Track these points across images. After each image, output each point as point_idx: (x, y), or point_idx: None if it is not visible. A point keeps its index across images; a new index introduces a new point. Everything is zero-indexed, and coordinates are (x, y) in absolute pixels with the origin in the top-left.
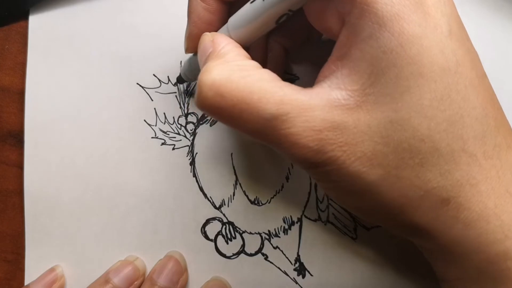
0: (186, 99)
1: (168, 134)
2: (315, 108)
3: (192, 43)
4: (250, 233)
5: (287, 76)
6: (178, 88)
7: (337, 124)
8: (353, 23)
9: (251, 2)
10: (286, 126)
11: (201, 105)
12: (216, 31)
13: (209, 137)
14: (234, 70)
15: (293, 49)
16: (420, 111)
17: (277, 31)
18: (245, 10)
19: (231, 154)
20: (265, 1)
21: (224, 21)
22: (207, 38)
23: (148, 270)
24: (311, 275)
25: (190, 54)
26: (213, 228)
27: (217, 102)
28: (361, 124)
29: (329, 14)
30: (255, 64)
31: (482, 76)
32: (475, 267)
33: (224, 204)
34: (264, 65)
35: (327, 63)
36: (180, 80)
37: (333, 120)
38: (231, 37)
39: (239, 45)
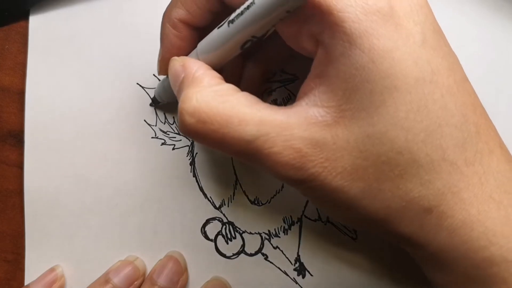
0: None
1: (168, 134)
2: (293, 126)
3: (165, 66)
4: (250, 233)
5: (287, 76)
6: None
7: (316, 141)
8: (326, 43)
9: (218, 28)
10: (267, 146)
11: (185, 131)
12: (187, 55)
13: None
14: (212, 96)
15: (275, 67)
16: (397, 124)
17: (254, 52)
18: (212, 36)
19: None
20: (230, 27)
21: (193, 46)
22: (177, 63)
23: (148, 270)
24: (311, 275)
25: (163, 77)
26: (213, 228)
27: (200, 129)
28: (340, 140)
29: (303, 35)
30: (231, 87)
31: (462, 81)
32: (462, 273)
33: (224, 204)
34: (238, 84)
35: (306, 80)
36: (155, 101)
37: (311, 137)
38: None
39: (210, 67)
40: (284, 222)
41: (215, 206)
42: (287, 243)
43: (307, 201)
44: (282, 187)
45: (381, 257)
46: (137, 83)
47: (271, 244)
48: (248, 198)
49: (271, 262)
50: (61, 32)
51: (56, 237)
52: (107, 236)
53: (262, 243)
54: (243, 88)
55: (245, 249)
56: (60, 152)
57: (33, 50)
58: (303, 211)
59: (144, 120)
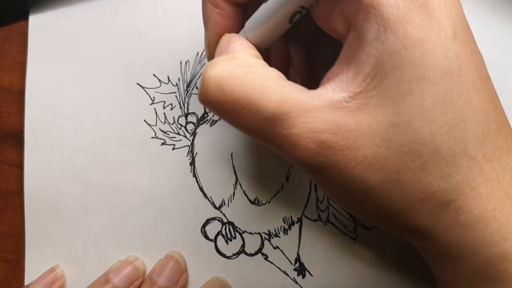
0: (186, 99)
1: (168, 134)
2: (316, 109)
3: (213, 50)
4: (250, 233)
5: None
6: (178, 88)
7: (338, 126)
8: (359, 26)
9: (265, 2)
10: (286, 126)
11: (202, 98)
12: (238, 25)
13: (209, 137)
14: (238, 66)
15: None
16: (422, 114)
17: (295, 37)
18: (259, 11)
19: (231, 154)
20: None
21: (241, 25)
22: (225, 38)
23: (148, 270)
24: (311, 275)
25: None
26: (213, 228)
27: (218, 96)
28: (363, 127)
29: (335, 16)
30: (261, 62)
31: (485, 79)
32: (473, 268)
33: (224, 204)
34: (288, 70)
35: (333, 66)
36: None
37: (334, 122)
38: (248, 40)
39: (252, 46)
40: (284, 222)
41: (215, 206)
42: (287, 243)
43: (307, 201)
44: (282, 187)
45: (381, 257)
46: (137, 83)
47: (271, 244)
48: (248, 198)
49: (271, 262)
50: (60, 32)
51: (56, 237)
52: (107, 236)
53: (262, 243)
54: (292, 76)
55: (245, 249)
56: (60, 152)
57: (32, 50)
58: (303, 211)
59: (144, 120)
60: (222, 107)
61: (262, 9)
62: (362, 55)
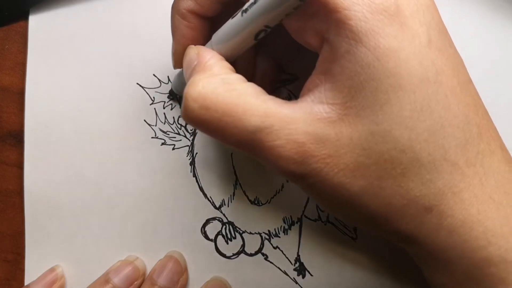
0: None
1: (168, 134)
2: (298, 121)
3: (179, 59)
4: (250, 233)
5: (287, 76)
6: None
7: (319, 137)
8: (331, 40)
9: (232, 18)
10: (270, 139)
11: (187, 117)
12: (204, 38)
13: (209, 137)
14: (219, 84)
15: (285, 61)
16: (401, 123)
17: (266, 45)
18: (225, 26)
19: (231, 154)
20: (243, 16)
21: (207, 37)
22: (192, 51)
23: (148, 270)
24: (311, 275)
25: (179, 69)
26: (213, 228)
27: (202, 115)
28: (343, 137)
29: (309, 30)
30: (240, 77)
31: (465, 82)
32: (461, 272)
33: (224, 204)
34: (252, 78)
35: (311, 76)
36: (172, 93)
37: (315, 133)
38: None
39: (223, 58)
40: (284, 222)
41: (215, 206)
42: (287, 243)
43: (307, 201)
44: (282, 187)
45: (381, 257)
46: (137, 83)
47: (271, 244)
48: (248, 198)
49: (271, 262)
50: (60, 32)
51: (56, 237)
52: (107, 236)
53: (262, 243)
54: (257, 84)
55: (245, 249)
56: (60, 152)
57: (32, 50)
58: (303, 211)
59: (144, 120)
60: (206, 125)
61: (229, 26)
62: (337, 67)
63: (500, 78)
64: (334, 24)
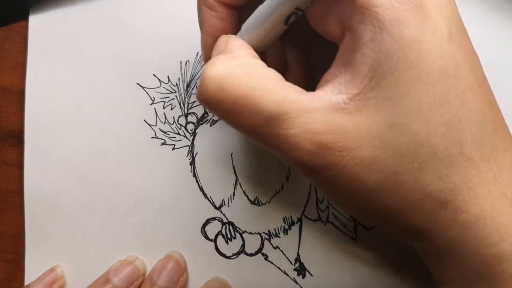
0: (186, 99)
1: (168, 134)
2: (315, 110)
3: (209, 52)
4: (250, 233)
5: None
6: (178, 88)
7: (336, 127)
8: (355, 28)
9: (261, 3)
10: (285, 127)
11: (201, 97)
12: (234, 30)
13: (209, 137)
14: (238, 65)
15: (313, 53)
16: (419, 115)
17: (293, 40)
18: (255, 13)
19: (231, 154)
20: (273, 0)
21: (236, 27)
22: (223, 39)
23: (148, 270)
24: (311, 275)
25: None
26: (213, 228)
27: (217, 96)
28: (361, 128)
29: (330, 19)
30: (261, 62)
31: (482, 79)
32: (471, 268)
33: (224, 204)
34: (284, 75)
35: (330, 68)
36: None
37: (333, 123)
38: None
39: (250, 47)
40: (284, 222)
41: (215, 206)
42: (287, 243)
43: (307, 201)
44: (282, 187)
45: (381, 257)
46: (137, 83)
47: (271, 244)
48: (248, 198)
49: (271, 262)
50: (60, 32)
51: (56, 237)
52: (107, 236)
53: (262, 243)
54: (290, 80)
55: (245, 249)
56: (60, 152)
57: (32, 50)
58: (303, 211)
59: (144, 120)
60: (221, 106)
61: (258, 11)
62: (359, 56)
63: (500, 78)
64: (359, 10)
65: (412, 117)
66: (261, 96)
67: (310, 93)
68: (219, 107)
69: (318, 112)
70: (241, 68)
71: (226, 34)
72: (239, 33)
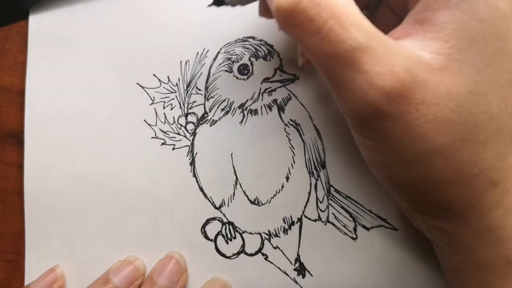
0: (186, 99)
1: (168, 134)
2: (402, 55)
3: None
4: (250, 233)
5: (287, 76)
6: (178, 88)
7: (419, 79)
8: None
9: None
10: (371, 62)
11: (291, 6)
12: None
13: (209, 137)
14: None
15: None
16: (496, 89)
17: None
18: None
19: (231, 154)
20: None
21: None
22: None
23: (148, 270)
24: (311, 275)
25: None
26: (213, 228)
27: (309, 9)
28: (442, 87)
29: None
30: None
31: None
32: (503, 255)
33: (224, 204)
34: None
35: (402, 25)
36: (218, 2)
37: (416, 74)
38: None
39: None
40: (284, 222)
41: (215, 206)
42: (287, 243)
43: (307, 201)
44: (282, 187)
45: (381, 257)
46: (137, 83)
47: (271, 244)
48: (248, 198)
49: (271, 262)
50: (60, 32)
51: (56, 237)
52: (107, 236)
53: (262, 243)
54: None
55: (245, 249)
56: (60, 152)
57: (33, 50)
58: (303, 211)
59: (144, 120)
60: (308, 24)
61: None
62: (445, 16)
63: None
64: None
65: (490, 88)
66: (353, 22)
67: (395, 40)
68: (304, 25)
69: (405, 59)
70: None
71: None
72: None
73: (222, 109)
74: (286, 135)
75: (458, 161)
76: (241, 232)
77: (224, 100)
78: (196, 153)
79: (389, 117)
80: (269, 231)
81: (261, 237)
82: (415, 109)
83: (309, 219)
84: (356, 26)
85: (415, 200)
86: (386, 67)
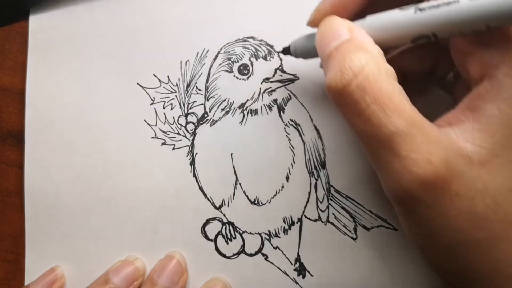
0: (186, 99)
1: (168, 134)
2: (441, 145)
3: (320, 18)
4: (250, 233)
5: (287, 76)
6: (178, 88)
7: (456, 171)
8: (498, 78)
9: (400, 9)
10: (408, 148)
11: (336, 87)
12: (348, 17)
13: (209, 137)
14: (382, 70)
15: (413, 75)
16: None
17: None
18: (389, 16)
19: (231, 154)
20: (416, 14)
21: (355, 11)
22: (342, 24)
23: (148, 270)
24: (311, 275)
25: (308, 31)
26: (213, 228)
27: (355, 93)
28: (479, 182)
29: (474, 58)
30: (391, 69)
31: None
32: None
33: (224, 204)
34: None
35: (455, 109)
36: (286, 52)
37: (454, 166)
38: None
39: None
40: (284, 222)
41: (215, 206)
42: (287, 243)
43: (307, 201)
44: (282, 187)
45: (381, 257)
46: (137, 83)
47: (271, 244)
48: (248, 198)
49: (271, 262)
50: (61, 32)
51: (56, 237)
52: (107, 236)
53: (262, 243)
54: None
55: (245, 249)
56: (60, 152)
57: (33, 50)
58: (303, 211)
59: (144, 120)
60: (353, 105)
61: (393, 16)
62: (494, 109)
63: None
64: (509, 63)
65: None
66: (395, 108)
67: (437, 128)
68: (350, 105)
69: (443, 149)
70: (385, 74)
71: (346, 12)
72: (360, 21)
73: (222, 109)
74: (286, 135)
75: (493, 258)
76: (241, 232)
77: (224, 100)
78: (196, 153)
79: (423, 204)
80: (269, 231)
81: (261, 237)
82: (449, 200)
83: (309, 219)
84: (398, 112)
85: (453, 285)
86: (423, 155)
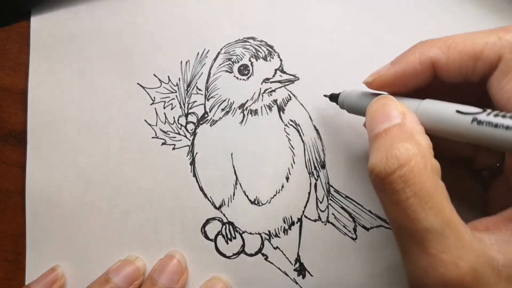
0: (186, 99)
1: (168, 134)
2: (472, 252)
3: (379, 84)
4: (250, 233)
5: (287, 76)
6: (178, 88)
7: (482, 281)
8: None
9: (457, 112)
10: (439, 248)
11: (382, 174)
12: (404, 91)
13: (209, 137)
14: (428, 165)
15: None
16: None
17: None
18: (446, 113)
19: (231, 154)
20: (472, 124)
21: (415, 88)
22: (396, 106)
23: (148, 269)
24: (311, 275)
25: (362, 90)
26: (213, 228)
27: (397, 183)
28: None
29: None
30: (436, 164)
31: None
32: None
33: (224, 204)
34: None
35: (496, 216)
36: (332, 99)
37: (480, 275)
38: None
39: (424, 132)
40: (284, 222)
41: (215, 206)
42: (287, 243)
43: (307, 201)
44: (282, 187)
45: (381, 257)
46: (138, 83)
47: (271, 244)
48: (248, 198)
49: (271, 263)
50: (62, 32)
51: (56, 237)
52: (108, 236)
53: (262, 243)
54: None
55: (245, 249)
56: (61, 152)
57: (34, 50)
58: (303, 211)
59: (145, 120)
60: (393, 194)
61: (449, 115)
62: None
63: None
64: None
65: None
66: (433, 206)
67: (472, 232)
68: (389, 192)
69: (474, 257)
70: (430, 169)
71: (405, 86)
72: (416, 103)
73: (222, 109)
74: (286, 135)
75: None
76: (241, 232)
77: (224, 100)
78: (196, 153)
79: None
80: (269, 231)
81: (261, 237)
82: None
83: (309, 219)
84: (435, 210)
85: None
86: (452, 258)
